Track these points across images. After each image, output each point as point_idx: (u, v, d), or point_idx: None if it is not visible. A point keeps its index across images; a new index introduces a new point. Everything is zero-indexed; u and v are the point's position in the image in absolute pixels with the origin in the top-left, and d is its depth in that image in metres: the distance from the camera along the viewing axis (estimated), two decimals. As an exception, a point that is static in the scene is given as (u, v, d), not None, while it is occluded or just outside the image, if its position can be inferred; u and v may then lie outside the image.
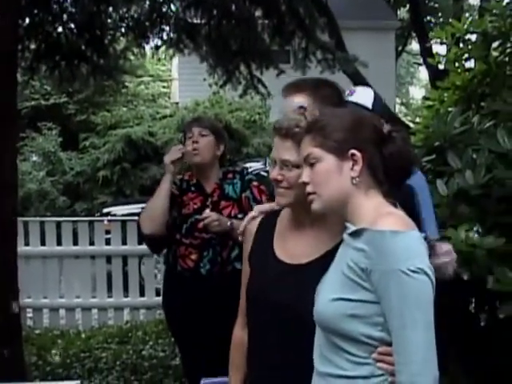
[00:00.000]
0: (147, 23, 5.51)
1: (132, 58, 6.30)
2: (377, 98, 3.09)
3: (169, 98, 24.18)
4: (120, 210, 10.05)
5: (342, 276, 1.89)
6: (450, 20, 4.96)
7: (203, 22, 5.58)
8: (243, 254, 2.38)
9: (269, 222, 2.34)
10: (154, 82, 23.00)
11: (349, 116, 1.99)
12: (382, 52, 21.96)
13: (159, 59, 9.61)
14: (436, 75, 21.56)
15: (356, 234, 1.89)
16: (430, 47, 22.04)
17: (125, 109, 16.32)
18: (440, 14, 29.86)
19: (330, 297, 1.89)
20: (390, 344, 1.82)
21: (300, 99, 2.46)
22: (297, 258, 2.20)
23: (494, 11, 4.65)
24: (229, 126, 12.27)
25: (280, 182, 2.20)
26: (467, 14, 25.07)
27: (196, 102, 13.92)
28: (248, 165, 9.67)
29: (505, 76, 4.61)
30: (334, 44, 6.87)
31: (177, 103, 20.88)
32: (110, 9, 5.57)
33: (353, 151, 1.92)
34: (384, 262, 1.79)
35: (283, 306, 2.12)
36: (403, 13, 31.41)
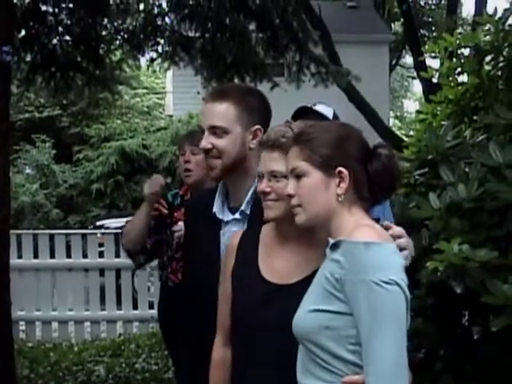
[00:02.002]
0: (142, 35, 5.54)
1: (127, 69, 6.33)
2: (336, 116, 3.16)
3: (163, 110, 24.22)
4: (113, 222, 10.06)
5: (319, 288, 1.90)
6: (443, 34, 4.98)
7: (198, 35, 5.61)
8: (222, 269, 2.33)
9: (251, 238, 2.30)
10: (148, 95, 23.03)
11: (336, 131, 2.01)
12: (376, 65, 22.06)
13: (154, 71, 9.63)
14: (429, 89, 21.66)
15: (334, 246, 1.91)
16: (424, 61, 22.16)
17: (119, 121, 16.34)
18: (433, 28, 30.02)
19: (308, 308, 1.90)
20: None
21: (224, 106, 2.41)
22: (284, 278, 2.17)
23: (487, 25, 4.68)
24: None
25: (268, 195, 2.18)
26: (460, 29, 25.23)
27: (190, 114, 13.95)
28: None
29: (497, 90, 4.63)
30: (327, 57, 6.91)
31: (171, 116, 20.91)
32: (106, 21, 5.60)
33: (340, 169, 1.93)
34: (356, 273, 1.81)
35: (272, 327, 2.10)
36: (397, 26, 31.60)
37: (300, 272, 2.15)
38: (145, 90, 22.76)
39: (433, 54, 5.53)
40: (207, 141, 2.41)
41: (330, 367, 1.86)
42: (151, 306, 7.02)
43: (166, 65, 6.02)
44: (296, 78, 5.77)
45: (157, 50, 5.80)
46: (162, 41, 5.69)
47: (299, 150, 1.98)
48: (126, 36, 5.64)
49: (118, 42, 5.79)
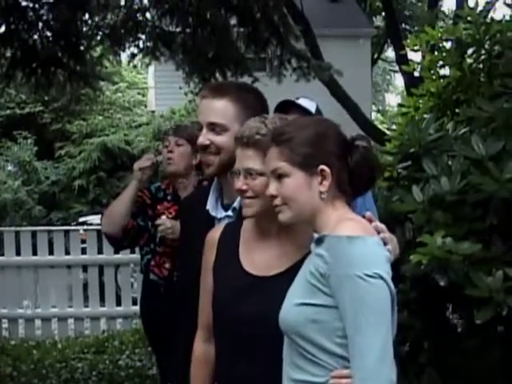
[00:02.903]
0: (123, 31, 5.49)
1: (108, 65, 6.29)
2: (319, 110, 3.16)
3: (145, 106, 24.14)
4: (96, 219, 10.00)
5: (305, 282, 1.90)
6: (425, 27, 4.98)
7: (179, 30, 5.58)
8: (204, 264, 2.32)
9: (231, 232, 2.30)
10: (129, 90, 22.93)
11: (313, 128, 2.00)
12: (358, 59, 22.08)
13: (135, 66, 9.57)
14: (411, 82, 21.69)
15: (318, 241, 1.92)
16: (406, 54, 22.23)
17: (100, 117, 16.25)
18: (415, 22, 30.09)
19: (294, 302, 1.90)
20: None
21: (220, 104, 2.41)
22: (264, 270, 2.17)
23: (468, 18, 4.68)
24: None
25: (245, 192, 2.17)
26: (441, 23, 25.32)
27: (172, 110, 13.90)
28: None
29: (479, 83, 4.63)
30: (309, 52, 6.88)
31: (153, 111, 20.84)
32: (86, 16, 5.55)
33: (322, 167, 1.93)
34: (340, 267, 1.81)
35: (253, 318, 2.10)
36: (379, 21, 31.65)
37: (280, 265, 2.15)
38: (126, 85, 22.64)
39: (415, 48, 5.50)
40: (205, 137, 2.41)
41: (318, 360, 1.86)
42: (135, 303, 6.99)
43: (147, 60, 5.99)
44: (277, 73, 5.75)
45: (138, 46, 5.76)
46: (143, 36, 5.65)
47: (279, 150, 1.97)
48: (106, 31, 5.60)
49: (98, 38, 5.74)
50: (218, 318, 2.22)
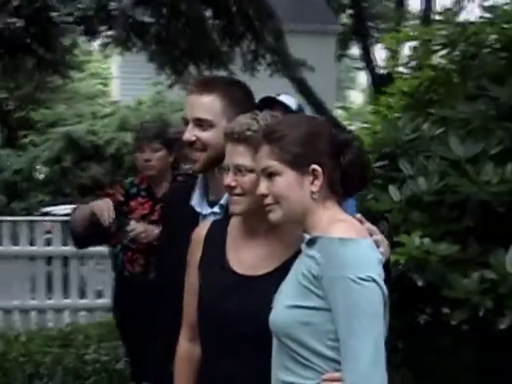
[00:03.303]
0: (95, 19, 5.40)
1: (76, 54, 6.20)
2: (300, 106, 3.15)
3: (108, 96, 23.92)
4: (61, 209, 9.87)
5: (296, 284, 1.88)
6: (399, 27, 4.99)
7: (152, 20, 5.51)
8: (189, 261, 2.29)
9: (218, 229, 2.26)
10: (92, 80, 22.68)
11: (305, 127, 1.97)
12: (324, 56, 22.11)
13: (106, 56, 9.44)
14: (377, 80, 21.88)
15: (310, 243, 1.89)
16: (372, 52, 22.35)
17: (65, 106, 16.03)
18: (381, 20, 30.27)
19: (285, 304, 1.88)
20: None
21: (208, 99, 2.38)
22: (252, 269, 2.14)
23: (442, 19, 4.70)
24: (172, 126, 12.16)
25: (234, 189, 2.13)
26: (411, 22, 25.50)
27: (138, 100, 13.77)
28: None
29: (452, 84, 4.65)
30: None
31: (116, 102, 20.64)
32: (57, 3, 5.45)
33: (314, 167, 1.91)
34: (332, 269, 1.79)
35: (238, 318, 2.07)
36: (344, 18, 31.76)
37: (267, 264, 2.13)
38: (87, 74, 22.36)
39: (384, 46, 5.50)
40: (191, 133, 2.37)
41: (309, 363, 1.83)
42: (99, 295, 6.92)
43: (118, 50, 5.91)
44: (251, 67, 5.71)
45: (109, 35, 5.68)
46: (115, 25, 5.56)
47: (270, 148, 1.94)
48: (78, 19, 5.50)
49: (69, 26, 5.64)
50: (204, 317, 2.18)
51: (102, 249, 6.87)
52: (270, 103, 3.02)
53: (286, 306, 1.86)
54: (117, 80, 23.12)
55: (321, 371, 1.82)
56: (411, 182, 3.45)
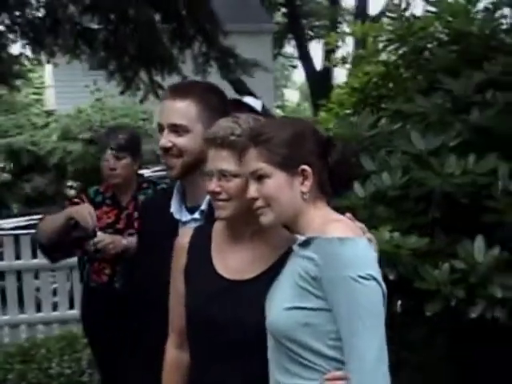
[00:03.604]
0: (42, 28, 5.31)
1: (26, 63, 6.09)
2: (265, 107, 3.18)
3: (41, 105, 23.53)
4: (8, 223, 9.67)
5: (294, 285, 1.88)
6: (335, 24, 5.05)
7: (100, 26, 5.45)
8: (174, 269, 2.28)
9: (202, 236, 2.26)
10: (26, 89, 22.24)
11: (291, 128, 1.99)
12: (260, 55, 22.10)
13: (40, 63, 9.26)
14: (312, 77, 21.94)
15: (305, 244, 1.90)
16: (308, 50, 22.53)
17: (2, 118, 15.71)
18: (315, 18, 30.50)
19: (284, 306, 1.88)
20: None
21: (184, 104, 2.38)
22: (238, 274, 2.14)
23: (392, 15, 4.77)
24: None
25: (218, 194, 2.13)
26: (340, 18, 25.77)
27: (78, 108, 13.58)
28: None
29: (402, 78, 4.72)
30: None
31: (53, 111, 20.32)
32: (3, 12, 5.34)
33: (303, 167, 1.93)
34: (332, 269, 1.80)
35: (227, 323, 2.07)
36: (278, 16, 31.90)
37: (254, 268, 2.13)
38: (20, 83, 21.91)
39: (336, 44, 5.55)
40: (167, 139, 2.36)
41: (311, 364, 1.85)
42: (55, 308, 6.83)
43: (67, 58, 5.82)
44: (202, 70, 5.70)
45: (57, 44, 5.59)
46: (63, 33, 5.48)
47: (258, 151, 1.95)
48: (24, 29, 5.40)
49: (16, 34, 5.53)
50: (192, 323, 2.17)
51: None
52: (236, 105, 3.03)
53: (284, 308, 1.87)
54: (50, 88, 22.77)
55: (323, 371, 1.84)
56: (375, 178, 3.49)
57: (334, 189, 2.03)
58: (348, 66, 5.29)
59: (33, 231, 6.92)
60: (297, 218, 1.96)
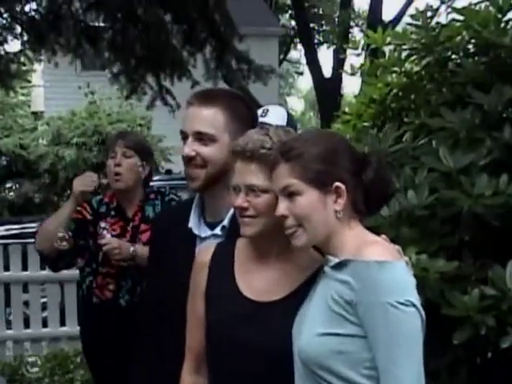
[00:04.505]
0: (43, 24, 5.31)
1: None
2: (290, 119, 3.18)
3: (28, 106, 23.53)
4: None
5: (326, 310, 1.90)
6: (367, 30, 5.07)
7: (106, 25, 5.46)
8: (193, 288, 2.30)
9: (224, 253, 2.27)
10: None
11: (323, 143, 2.02)
12: (265, 60, 22.19)
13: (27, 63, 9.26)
14: (320, 84, 21.94)
15: (339, 266, 1.91)
16: (316, 55, 22.58)
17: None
18: (323, 21, 30.61)
19: (316, 332, 1.89)
20: None
21: (212, 112, 2.40)
22: (265, 295, 2.16)
23: (417, 23, 4.78)
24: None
25: (245, 210, 2.14)
26: (352, 22, 25.85)
27: (72, 111, 13.61)
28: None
29: (426, 91, 4.74)
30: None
31: (42, 112, 20.37)
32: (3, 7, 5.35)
33: (337, 184, 1.95)
34: (370, 294, 1.82)
35: (255, 348, 2.08)
36: (284, 19, 31.99)
37: (282, 289, 2.14)
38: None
39: (355, 52, 5.58)
40: (191, 148, 2.37)
41: None
42: (45, 324, 6.83)
43: (70, 59, 5.84)
44: (214, 76, 5.71)
45: (58, 42, 5.59)
46: (64, 31, 5.48)
47: (290, 167, 1.97)
48: (25, 25, 5.41)
49: (15, 31, 5.54)
50: (214, 349, 2.18)
51: (47, 273, 6.81)
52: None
53: (316, 334, 1.88)
54: (39, 89, 22.79)
55: None
56: (400, 196, 3.51)
57: (368, 207, 2.04)
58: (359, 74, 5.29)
59: (23, 241, 7.02)
60: (329, 238, 1.97)
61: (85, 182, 3.70)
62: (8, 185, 12.91)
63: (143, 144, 3.97)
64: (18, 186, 12.91)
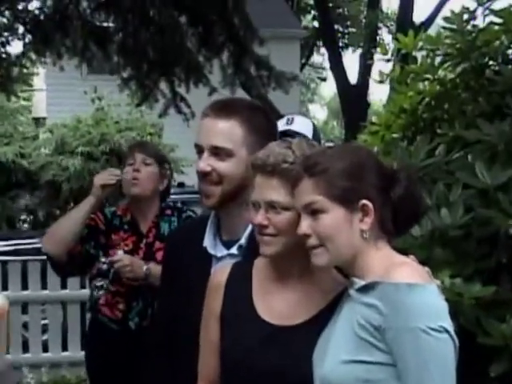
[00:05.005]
0: (49, 25, 5.35)
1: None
2: (316, 130, 3.20)
3: (29, 112, 23.68)
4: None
5: (352, 336, 1.91)
6: (397, 33, 5.08)
7: (116, 27, 5.50)
8: (207, 310, 2.32)
9: (241, 274, 2.29)
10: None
11: (349, 158, 2.03)
12: (286, 65, 22.21)
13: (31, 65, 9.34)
14: (345, 91, 21.91)
15: (366, 289, 1.92)
16: (341, 60, 22.60)
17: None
18: (349, 23, 30.66)
19: (341, 359, 1.90)
20: None
21: (229, 125, 2.40)
22: (286, 319, 2.17)
23: (452, 26, 4.79)
24: (118, 149, 12.12)
25: (265, 228, 2.15)
26: (381, 24, 25.87)
27: (77, 118, 13.68)
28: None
29: (460, 100, 4.73)
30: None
31: (44, 118, 20.48)
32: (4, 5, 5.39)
33: (364, 202, 1.96)
34: (400, 319, 1.83)
35: (274, 374, 2.09)
36: (306, 21, 32.04)
37: (304, 312, 2.16)
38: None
39: (384, 57, 5.59)
40: (206, 162, 2.38)
41: None
42: (46, 349, 6.86)
43: (75, 62, 5.88)
44: (231, 82, 5.73)
45: (64, 44, 5.63)
46: (71, 32, 5.52)
47: (314, 182, 1.98)
48: (28, 25, 5.45)
49: (17, 32, 5.59)
50: (229, 375, 2.20)
51: (47, 292, 6.85)
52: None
53: (341, 362, 1.89)
54: (41, 93, 22.92)
55: None
56: (432, 215, 3.51)
57: (396, 227, 2.05)
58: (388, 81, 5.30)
59: (22, 258, 7.06)
60: (355, 259, 1.99)
61: (106, 176, 3.73)
62: (7, 197, 12.96)
63: (163, 155, 4.02)
64: (17, 198, 12.97)
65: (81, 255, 3.78)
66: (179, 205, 4.05)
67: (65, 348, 7.02)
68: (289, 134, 3.11)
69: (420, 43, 4.96)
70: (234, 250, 2.43)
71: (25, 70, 6.31)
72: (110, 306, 3.80)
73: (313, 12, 29.32)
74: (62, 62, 6.45)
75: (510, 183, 3.44)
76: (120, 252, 3.72)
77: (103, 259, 3.82)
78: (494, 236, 3.33)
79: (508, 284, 3.26)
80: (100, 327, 3.85)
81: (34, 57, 5.93)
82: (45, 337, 7.14)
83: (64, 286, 7.04)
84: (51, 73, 18.37)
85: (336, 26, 27.79)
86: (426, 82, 4.94)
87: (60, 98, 19.48)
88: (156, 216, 3.86)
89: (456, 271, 3.25)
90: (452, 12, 4.82)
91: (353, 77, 22.98)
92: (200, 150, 2.43)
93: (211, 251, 2.46)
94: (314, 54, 34.90)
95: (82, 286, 6.92)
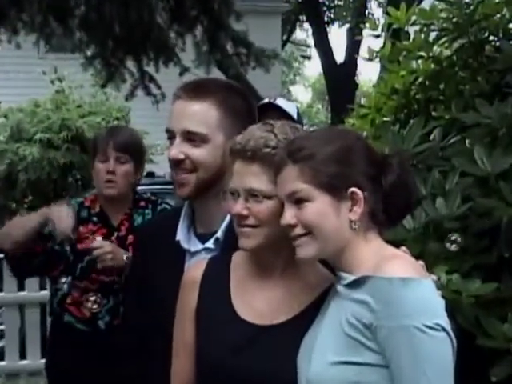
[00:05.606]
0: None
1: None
2: (299, 114, 3.22)
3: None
4: None
5: (341, 335, 1.92)
6: (388, 6, 5.09)
7: (78, 0, 5.48)
8: (180, 310, 2.32)
9: (217, 269, 2.30)
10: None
11: (337, 142, 2.04)
12: (266, 42, 22.18)
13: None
14: (330, 69, 21.85)
15: (355, 284, 1.93)
16: (327, 36, 22.60)
17: None
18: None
19: (328, 360, 1.91)
20: None
21: (204, 107, 2.41)
22: (268, 318, 2.18)
23: (449, -1, 4.80)
24: (81, 135, 12.07)
25: (245, 219, 2.16)
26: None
27: (35, 102, 13.59)
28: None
29: (457, 79, 4.75)
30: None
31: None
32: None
33: (353, 189, 1.96)
34: (393, 316, 1.84)
35: (256, 378, 2.10)
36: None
37: (287, 310, 2.17)
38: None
39: (374, 33, 5.61)
40: (179, 149, 2.38)
41: None
42: (23, 356, 6.84)
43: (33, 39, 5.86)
44: (206, 61, 5.71)
45: (21, 19, 5.60)
46: (29, 6, 5.50)
47: (299, 169, 1.99)
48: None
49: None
50: (208, 381, 2.20)
51: (3, 295, 6.83)
52: (266, 109, 3.08)
53: (329, 363, 1.90)
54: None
55: None
56: (427, 205, 3.53)
57: (388, 218, 2.06)
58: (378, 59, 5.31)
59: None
60: (342, 252, 1.99)
61: (62, 221, 3.60)
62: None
63: (137, 143, 3.94)
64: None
65: (44, 253, 3.75)
66: (152, 197, 4.03)
67: (23, 356, 6.98)
68: (271, 107, 3.12)
69: (413, 17, 4.98)
70: (209, 244, 2.43)
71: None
72: (78, 304, 3.79)
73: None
74: (18, 39, 6.45)
75: (510, 171, 3.46)
76: (99, 238, 3.71)
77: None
78: (494, 228, 3.35)
79: (510, 280, 3.27)
80: (65, 330, 3.84)
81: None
82: (1, 343, 7.11)
83: (22, 287, 7.00)
84: (6, 51, 18.22)
85: (321, -1, 27.81)
86: (420, 60, 4.95)
87: (15, 80, 19.35)
88: (129, 208, 3.85)
89: (453, 267, 3.27)
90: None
91: (339, 55, 23.00)
92: (172, 135, 2.43)
93: (185, 245, 2.47)
94: (297, 29, 34.83)
95: (42, 288, 6.88)
